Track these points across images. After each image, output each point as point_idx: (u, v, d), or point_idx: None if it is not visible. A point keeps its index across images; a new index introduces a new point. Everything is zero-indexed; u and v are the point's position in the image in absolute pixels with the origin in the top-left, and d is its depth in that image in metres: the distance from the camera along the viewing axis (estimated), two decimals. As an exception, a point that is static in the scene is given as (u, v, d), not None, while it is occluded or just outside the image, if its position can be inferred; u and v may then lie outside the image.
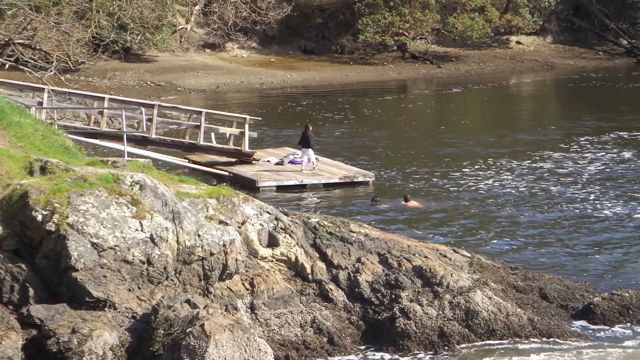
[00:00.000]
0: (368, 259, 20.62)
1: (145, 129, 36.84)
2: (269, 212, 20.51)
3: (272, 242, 20.14)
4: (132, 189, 18.54)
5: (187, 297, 17.66)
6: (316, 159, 36.71)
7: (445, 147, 43.29)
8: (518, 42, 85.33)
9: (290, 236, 20.31)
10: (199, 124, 37.95)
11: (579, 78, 72.72)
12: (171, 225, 18.32)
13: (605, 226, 28.68)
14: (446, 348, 19.18)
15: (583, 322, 20.66)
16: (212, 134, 38.52)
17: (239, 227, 19.72)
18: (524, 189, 34.00)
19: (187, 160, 37.97)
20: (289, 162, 37.13)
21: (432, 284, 20.09)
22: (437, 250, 21.91)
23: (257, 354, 16.56)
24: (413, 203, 31.27)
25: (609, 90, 66.02)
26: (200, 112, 38.70)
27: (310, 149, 36.06)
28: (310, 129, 36.63)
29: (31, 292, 17.53)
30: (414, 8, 77.29)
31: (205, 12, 76.19)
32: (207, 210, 19.36)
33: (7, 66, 55.59)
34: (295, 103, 60.19)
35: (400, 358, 18.89)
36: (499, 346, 19.30)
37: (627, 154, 40.11)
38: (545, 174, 36.55)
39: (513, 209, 30.93)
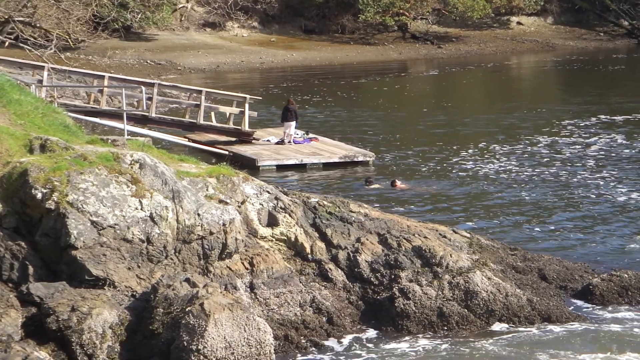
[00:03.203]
0: (367, 239, 20.63)
1: (145, 108, 36.83)
2: (268, 192, 20.51)
3: (272, 222, 20.15)
4: (132, 167, 18.53)
5: (186, 276, 17.67)
6: (298, 135, 37.10)
7: (442, 128, 43.36)
8: (519, 23, 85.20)
9: (290, 216, 20.32)
10: (199, 103, 37.93)
11: (579, 59, 72.66)
12: (171, 204, 18.32)
13: (604, 207, 28.69)
14: (445, 328, 19.21)
15: (582, 303, 20.69)
16: (212, 113, 38.50)
17: (239, 207, 19.72)
18: (522, 170, 34.00)
19: (187, 139, 37.96)
20: (289, 142, 37.14)
21: (431, 264, 20.10)
22: (437, 230, 21.91)
23: (257, 333, 16.59)
24: (401, 186, 31.22)
25: (608, 72, 65.95)
26: (200, 91, 38.69)
27: (290, 122, 36.48)
28: (292, 102, 37.25)
29: (31, 270, 17.55)
30: (414, -12, 77.15)
31: (206, -10, 76.01)
32: (207, 190, 19.35)
33: (7, 44, 55.50)
34: (296, 82, 60.14)
35: (399, 338, 18.92)
36: (498, 326, 19.33)
37: (625, 137, 40.10)
38: (543, 156, 36.55)
39: (511, 190, 30.93)
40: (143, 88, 36.34)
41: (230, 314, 16.49)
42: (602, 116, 45.19)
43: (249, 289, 18.92)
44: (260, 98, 42.35)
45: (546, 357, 17.90)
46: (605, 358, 17.89)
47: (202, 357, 16.15)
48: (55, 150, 18.84)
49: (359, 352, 18.35)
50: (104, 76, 39.07)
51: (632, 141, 38.91)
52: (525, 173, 33.50)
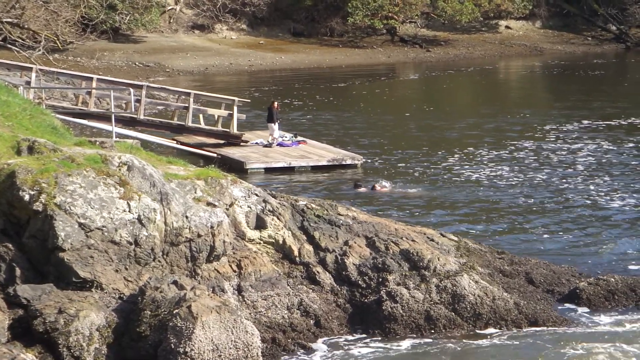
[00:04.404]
0: (355, 242, 20.64)
1: (133, 110, 36.78)
2: (257, 194, 20.51)
3: (260, 225, 20.15)
4: (120, 169, 18.51)
5: (174, 278, 17.66)
6: (283, 137, 37.30)
7: (427, 132, 43.47)
8: (507, 27, 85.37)
9: (278, 218, 20.32)
10: (187, 105, 37.89)
11: (560, 64, 72.77)
12: (159, 206, 18.30)
13: (591, 211, 28.75)
14: (432, 331, 19.23)
15: (569, 307, 20.73)
16: (201, 116, 38.48)
17: (227, 209, 19.71)
18: (508, 174, 34.05)
19: (175, 142, 37.92)
20: (277, 145, 37.16)
21: (419, 267, 20.12)
22: (425, 234, 21.93)
23: (244, 335, 16.58)
24: (382, 190, 31.22)
25: (593, 77, 66.02)
26: (188, 94, 38.65)
27: (273, 124, 36.70)
28: (276, 105, 37.49)
29: (18, 271, 17.50)
30: (403, -9, 77.24)
31: (195, -7, 75.98)
32: (195, 192, 19.34)
33: (-6, 45, 55.40)
34: (284, 86, 60.15)
35: (387, 341, 18.93)
36: (485, 330, 19.36)
37: (611, 142, 40.16)
38: (530, 160, 36.61)
39: (498, 194, 30.99)
40: (131, 90, 36.31)
41: (218, 317, 16.49)
42: (588, 121, 45.28)
43: (236, 292, 18.92)
44: (249, 101, 42.40)
45: (533, 361, 17.97)
46: (592, 362, 17.96)
47: (189, 359, 16.14)
48: (43, 152, 18.81)
49: (346, 355, 18.36)
50: (92, 78, 39.04)
51: (618, 147, 39.01)
52: (512, 177, 33.56)
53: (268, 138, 37.42)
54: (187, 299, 16.70)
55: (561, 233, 26.36)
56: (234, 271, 19.08)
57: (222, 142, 37.58)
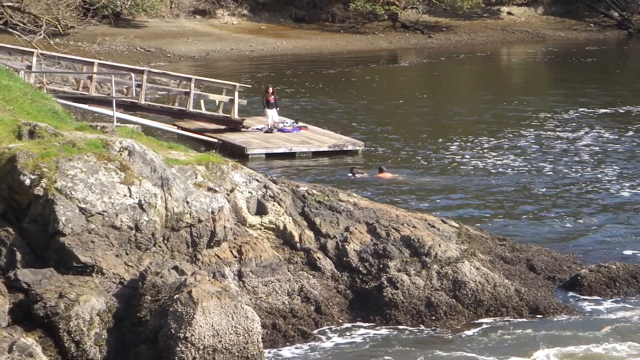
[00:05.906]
0: (356, 228, 20.62)
1: (134, 95, 36.74)
2: (258, 180, 20.48)
3: (261, 210, 20.12)
4: (120, 154, 18.48)
5: (174, 263, 17.64)
6: (278, 123, 37.32)
7: (426, 118, 43.44)
8: (509, 13, 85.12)
9: (279, 204, 20.29)
10: (188, 90, 37.84)
11: (568, 51, 72.57)
12: (160, 191, 18.27)
13: (593, 199, 28.73)
14: (433, 318, 19.23)
15: (570, 294, 20.72)
16: (202, 101, 38.43)
17: (228, 195, 19.68)
18: (510, 161, 34.00)
19: (176, 127, 37.88)
20: (278, 130, 37.12)
21: (420, 254, 20.11)
22: (426, 220, 21.90)
23: (244, 321, 16.56)
24: (387, 175, 31.21)
25: (597, 64, 65.83)
26: (189, 79, 38.59)
27: (267, 110, 36.72)
28: (270, 90, 37.29)
29: (18, 256, 17.48)
30: (405, -23, 77.09)
31: (196, -23, 75.85)
32: (196, 177, 19.31)
33: (-5, 29, 55.30)
34: (285, 71, 60.07)
35: (387, 327, 18.92)
36: (486, 316, 19.35)
37: (612, 130, 40.08)
38: (530, 147, 36.53)
39: (498, 181, 30.96)
40: (132, 75, 36.27)
41: (218, 302, 16.47)
42: (588, 108, 45.18)
43: (237, 277, 18.91)
44: (250, 86, 42.34)
45: (533, 347, 17.93)
46: (592, 348, 17.93)
47: (189, 344, 16.14)
48: (44, 137, 18.77)
49: (346, 341, 18.36)
50: (93, 63, 38.98)
51: (620, 135, 38.91)
52: (513, 164, 33.52)
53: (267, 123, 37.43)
54: (188, 284, 16.69)
55: (563, 220, 26.33)
56: (235, 257, 19.07)
57: (223, 127, 37.54)
